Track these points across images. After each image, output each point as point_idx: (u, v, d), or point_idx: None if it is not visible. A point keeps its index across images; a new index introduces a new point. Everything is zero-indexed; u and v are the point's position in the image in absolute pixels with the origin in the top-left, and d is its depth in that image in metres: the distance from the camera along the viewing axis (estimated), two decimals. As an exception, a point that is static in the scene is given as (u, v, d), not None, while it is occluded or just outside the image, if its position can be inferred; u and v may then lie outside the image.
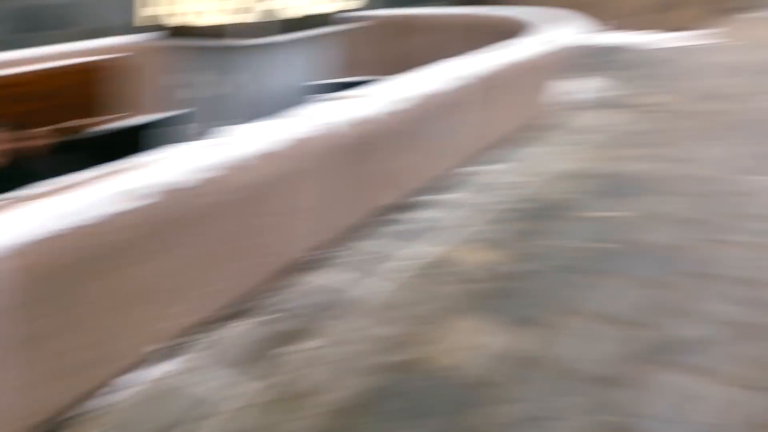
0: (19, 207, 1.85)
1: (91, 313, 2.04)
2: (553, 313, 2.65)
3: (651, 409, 2.10)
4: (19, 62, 4.70)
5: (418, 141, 3.81)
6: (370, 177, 3.42)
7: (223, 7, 4.19)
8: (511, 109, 4.94)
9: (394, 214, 3.54)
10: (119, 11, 5.81)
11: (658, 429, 2.01)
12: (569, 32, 5.62)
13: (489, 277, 2.95)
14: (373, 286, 2.84)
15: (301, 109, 3.05)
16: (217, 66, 4.28)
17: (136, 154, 2.36)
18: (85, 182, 2.06)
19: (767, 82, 6.34)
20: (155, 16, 4.32)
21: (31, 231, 1.79)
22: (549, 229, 3.45)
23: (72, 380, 2.04)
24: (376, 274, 2.94)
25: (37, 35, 5.62)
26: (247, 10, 4.19)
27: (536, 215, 3.63)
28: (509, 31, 5.59)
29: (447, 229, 3.45)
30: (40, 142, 4.04)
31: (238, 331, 2.49)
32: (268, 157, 2.61)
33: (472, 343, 2.44)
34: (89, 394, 2.08)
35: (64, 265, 1.92)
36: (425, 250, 3.19)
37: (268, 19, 4.25)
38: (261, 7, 4.22)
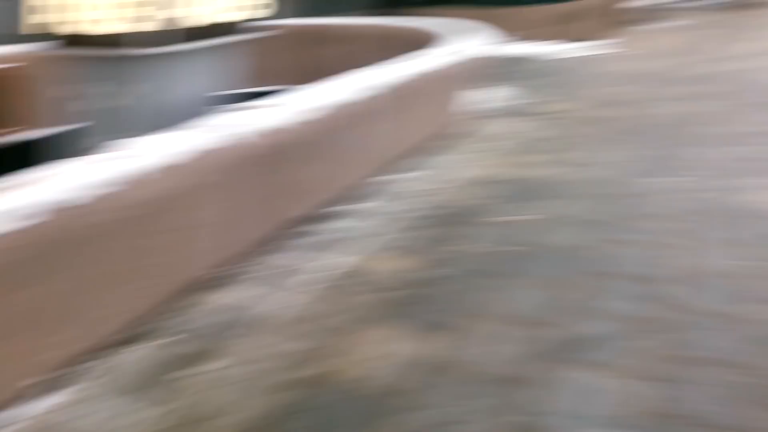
0: None
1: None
2: (463, 317, 2.69)
3: (555, 406, 2.16)
4: None
5: (331, 151, 3.80)
6: (281, 188, 3.37)
7: (121, 15, 4.03)
8: (422, 119, 5.02)
9: (306, 225, 3.50)
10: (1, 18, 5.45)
11: (561, 425, 2.07)
12: (478, 43, 5.79)
13: (401, 284, 2.96)
14: (282, 300, 2.78)
15: (206, 119, 2.97)
16: (116, 76, 4.11)
17: (26, 171, 2.21)
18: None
19: (661, 90, 6.76)
20: (44, 24, 4.09)
21: None
22: (460, 234, 3.51)
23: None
24: (285, 288, 2.89)
25: None
26: (147, 18, 4.05)
27: (448, 221, 3.69)
28: (420, 41, 5.69)
29: (360, 238, 3.44)
30: None
31: (135, 356, 2.37)
32: (169, 171, 2.51)
33: (383, 352, 2.43)
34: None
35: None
36: (337, 260, 3.17)
37: (170, 28, 4.12)
38: (162, 15, 4.09)
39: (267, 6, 4.78)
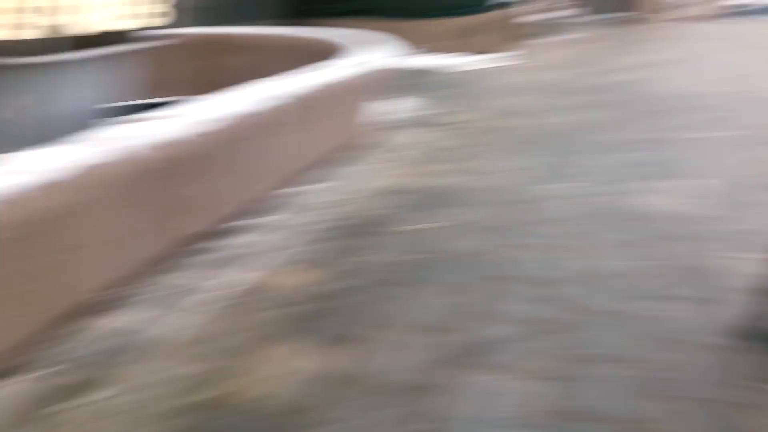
0: None
1: None
2: (369, 328, 2.66)
3: (459, 411, 2.18)
4: None
5: (231, 163, 3.68)
6: (177, 204, 3.22)
7: (-1, 22, 3.75)
8: (329, 130, 4.99)
9: (206, 242, 3.37)
10: None
11: (465, 430, 2.08)
12: (384, 54, 5.85)
13: (306, 299, 2.90)
14: (177, 322, 2.65)
15: (94, 132, 2.79)
16: (-8, 88, 3.81)
17: None
18: None
19: (557, 100, 7.10)
20: None
21: None
22: (367, 245, 3.50)
23: None
24: (181, 308, 2.75)
25: None
26: (29, 26, 3.78)
27: (355, 232, 3.67)
28: (326, 52, 5.67)
29: (264, 253, 3.35)
30: None
31: (8, 391, 2.17)
32: (50, 188, 2.33)
33: (286, 369, 2.36)
34: None
35: None
36: (239, 277, 3.06)
37: (54, 36, 3.87)
38: (46, 22, 3.84)
39: (163, 15, 4.60)
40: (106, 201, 2.69)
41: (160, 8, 4.56)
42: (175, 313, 2.70)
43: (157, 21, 4.65)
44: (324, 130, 4.87)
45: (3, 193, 2.17)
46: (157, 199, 3.04)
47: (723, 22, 16.42)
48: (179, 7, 5.23)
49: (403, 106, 6.54)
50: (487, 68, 8.96)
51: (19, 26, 3.78)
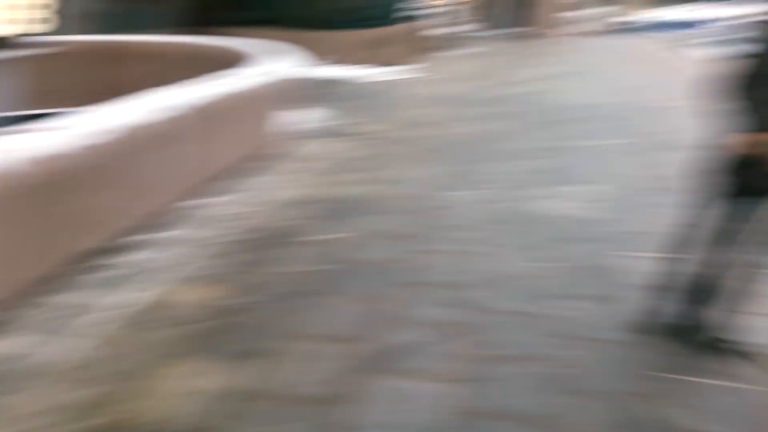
0: None
1: None
2: (277, 342, 2.57)
3: (371, 419, 2.13)
4: None
5: (126, 176, 3.47)
6: (66, 219, 2.99)
7: None
8: (234, 140, 4.84)
9: (101, 258, 3.15)
10: None
11: (377, 440, 2.04)
12: (290, 64, 5.77)
13: (209, 315, 2.76)
14: (67, 345, 2.44)
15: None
16: None
17: None
18: None
19: (461, 111, 7.27)
20: None
21: None
22: (274, 257, 3.39)
23: None
24: (72, 330, 2.54)
25: None
26: None
27: (262, 245, 3.56)
28: (230, 61, 5.52)
29: (163, 269, 3.17)
30: None
31: None
32: None
33: (189, 388, 2.22)
34: None
35: None
36: (136, 296, 2.88)
37: None
38: None
39: (45, 21, 4.29)
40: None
41: (40, 14, 4.24)
42: (64, 336, 2.49)
43: (38, 27, 4.32)
44: (228, 140, 4.71)
45: None
46: (41, 216, 2.80)
47: (613, 37, 17.56)
48: (63, 14, 4.89)
49: (312, 117, 6.47)
50: (394, 80, 9.08)
51: None
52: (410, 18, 11.75)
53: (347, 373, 2.37)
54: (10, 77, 4.17)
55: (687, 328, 2.66)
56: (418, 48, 11.38)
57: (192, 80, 4.38)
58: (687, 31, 15.18)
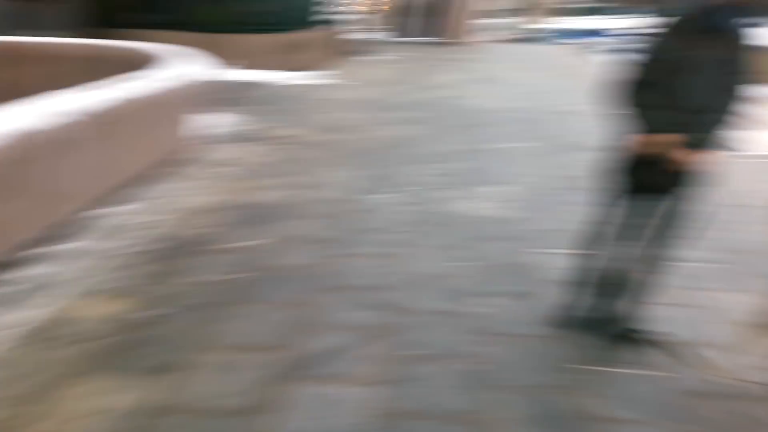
0: None
1: None
2: (190, 354, 2.44)
3: (293, 427, 2.06)
4: None
5: (23, 185, 3.21)
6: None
7: None
8: (142, 145, 4.61)
9: (-7, 274, 2.90)
10: None
11: (300, 450, 1.97)
12: (200, 68, 5.57)
13: (115, 330, 2.59)
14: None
15: None
16: None
17: None
18: None
19: (378, 115, 7.28)
20: None
21: None
22: (186, 267, 3.24)
23: None
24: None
25: None
26: None
27: (172, 254, 3.39)
28: (136, 64, 5.26)
29: (65, 283, 2.95)
30: None
31: None
32: None
33: (94, 408, 2.07)
34: None
35: None
36: (35, 313, 2.66)
37: None
38: None
39: None
40: None
41: None
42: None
43: None
44: (136, 145, 4.48)
45: None
46: None
47: (523, 45, 18.23)
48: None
49: (225, 121, 6.27)
50: (310, 84, 8.99)
51: None
52: (326, 23, 11.70)
53: (267, 382, 2.28)
54: None
55: (600, 320, 2.76)
56: (335, 53, 11.35)
57: (94, 83, 4.13)
58: (591, 39, 16.00)
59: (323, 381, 2.32)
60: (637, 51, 2.37)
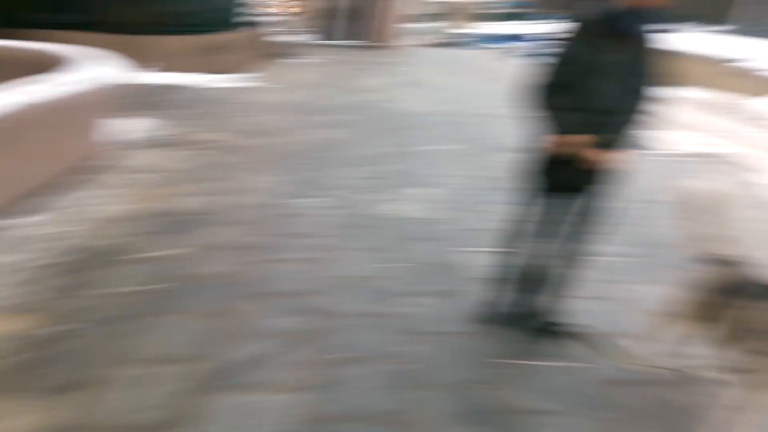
0: None
1: None
2: (102, 370, 2.31)
3: (213, 445, 1.97)
4: None
5: None
6: None
7: None
8: (49, 152, 4.35)
9: None
10: None
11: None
12: (113, 71, 5.31)
13: (18, 348, 2.41)
14: None
15: None
16: None
17: None
18: None
19: (304, 118, 7.20)
20: None
21: None
22: (98, 279, 3.06)
23: None
24: None
25: None
26: None
27: (82, 266, 3.19)
28: (42, 66, 4.96)
29: (-39, 300, 2.73)
30: None
31: None
32: None
33: (-8, 434, 1.91)
34: None
35: None
36: (-76, 332, 2.44)
37: None
38: None
39: None
40: None
41: None
42: None
43: None
44: (42, 151, 4.22)
45: None
46: None
47: (447, 49, 18.54)
48: None
49: (141, 126, 6.02)
50: (232, 87, 8.77)
51: None
52: (250, 24, 11.47)
53: (186, 394, 2.18)
54: None
55: (522, 315, 2.81)
56: (258, 55, 11.14)
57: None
58: (512, 44, 16.47)
59: (246, 390, 2.24)
60: (549, 55, 2.43)
